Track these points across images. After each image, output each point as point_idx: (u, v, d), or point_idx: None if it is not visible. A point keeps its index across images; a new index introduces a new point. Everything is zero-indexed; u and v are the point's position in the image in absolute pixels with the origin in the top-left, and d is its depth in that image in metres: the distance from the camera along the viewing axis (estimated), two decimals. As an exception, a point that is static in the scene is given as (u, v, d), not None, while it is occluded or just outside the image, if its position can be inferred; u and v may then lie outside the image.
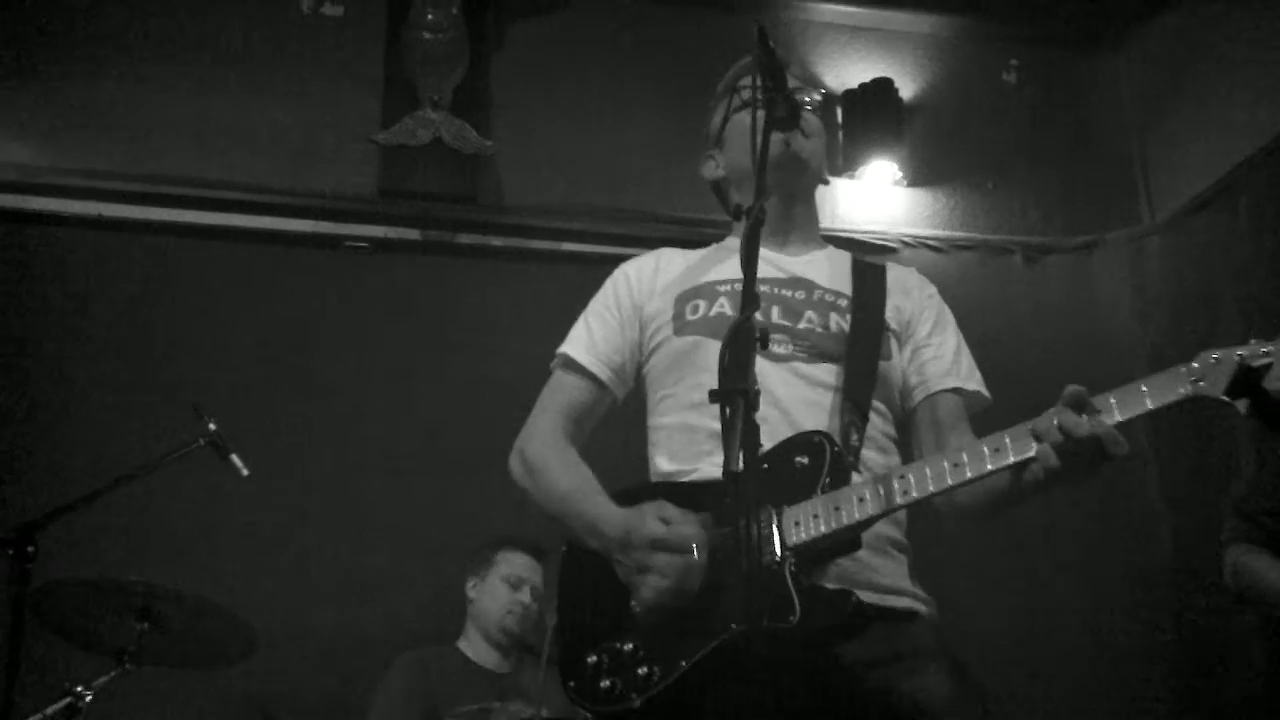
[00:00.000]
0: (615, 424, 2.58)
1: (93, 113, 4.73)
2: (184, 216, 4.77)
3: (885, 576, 2.21)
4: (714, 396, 1.75)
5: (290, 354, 4.67)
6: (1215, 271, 4.86)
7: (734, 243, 2.59)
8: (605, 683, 2.12)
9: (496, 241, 5.07)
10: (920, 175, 5.40)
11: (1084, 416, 1.87)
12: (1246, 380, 1.77)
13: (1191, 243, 5.08)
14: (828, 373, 2.32)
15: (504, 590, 4.24)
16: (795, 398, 2.27)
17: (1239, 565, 3.16)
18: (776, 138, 2.31)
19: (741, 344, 1.80)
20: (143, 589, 3.45)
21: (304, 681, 4.21)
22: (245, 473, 3.73)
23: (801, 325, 2.36)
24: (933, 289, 2.58)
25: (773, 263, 2.45)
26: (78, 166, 4.67)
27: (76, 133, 4.71)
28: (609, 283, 2.62)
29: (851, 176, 5.28)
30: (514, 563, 4.27)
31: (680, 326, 2.42)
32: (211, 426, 3.73)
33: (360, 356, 4.72)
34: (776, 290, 2.40)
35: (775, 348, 2.31)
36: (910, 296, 2.50)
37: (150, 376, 4.50)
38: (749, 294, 1.90)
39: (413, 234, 5.01)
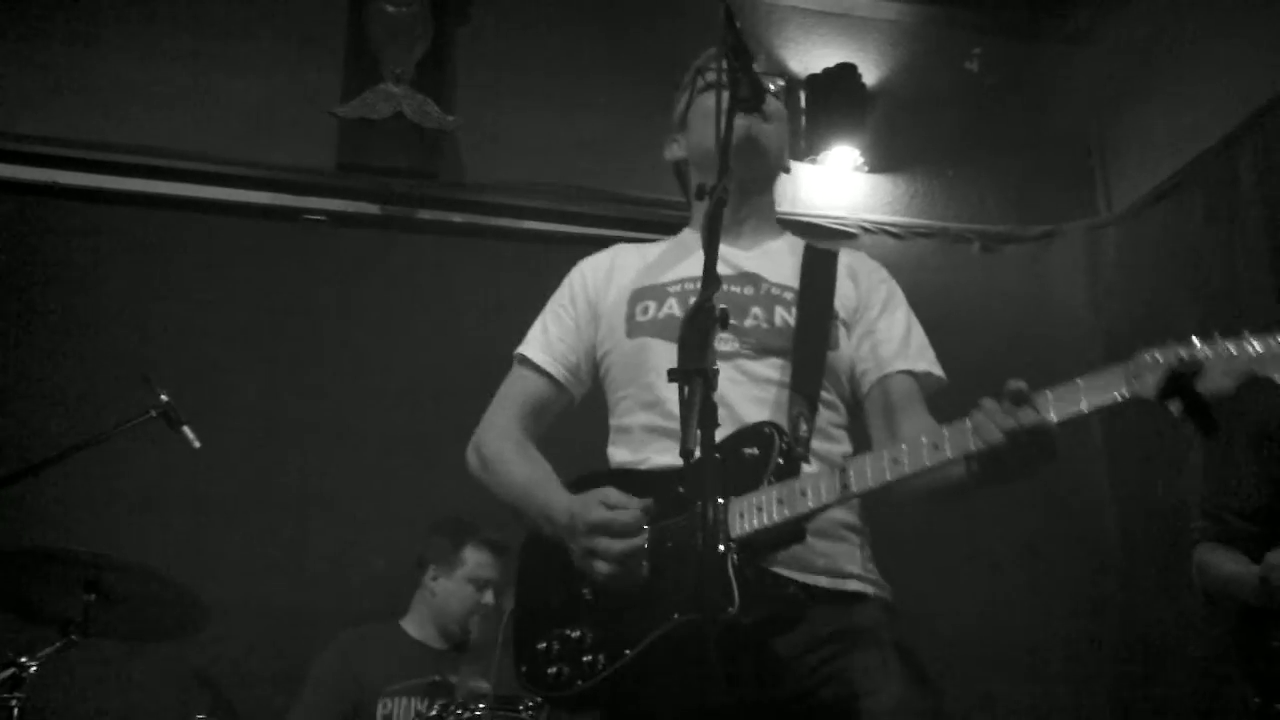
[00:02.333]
0: (573, 421, 2.59)
1: (45, 76, 4.65)
2: (139, 185, 4.71)
3: (833, 561, 2.23)
4: (672, 375, 1.76)
5: (245, 326, 4.63)
6: (1170, 263, 4.91)
7: (689, 237, 2.61)
8: (553, 669, 2.16)
9: (456, 218, 5.04)
10: (881, 161, 5.42)
11: (1020, 412, 1.88)
12: (1178, 383, 1.78)
13: (1147, 234, 5.13)
14: (773, 367, 2.33)
15: (469, 592, 4.22)
16: (742, 395, 2.29)
17: (1202, 564, 3.20)
18: (738, 122, 2.31)
19: (701, 324, 1.81)
20: (91, 560, 3.41)
21: (251, 655, 4.19)
22: (197, 444, 3.70)
23: (747, 323, 2.37)
24: (884, 273, 2.59)
25: (723, 257, 2.44)
26: (30, 132, 4.60)
27: (28, 97, 4.62)
28: (565, 282, 2.63)
29: (813, 161, 5.29)
30: (481, 562, 4.24)
31: (631, 329, 2.44)
32: (163, 397, 3.70)
33: (316, 330, 4.69)
34: (725, 287, 2.39)
35: (720, 345, 2.29)
36: (859, 281, 2.51)
37: (102, 347, 4.45)
38: (710, 274, 1.91)
39: (372, 209, 4.97)
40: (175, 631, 3.68)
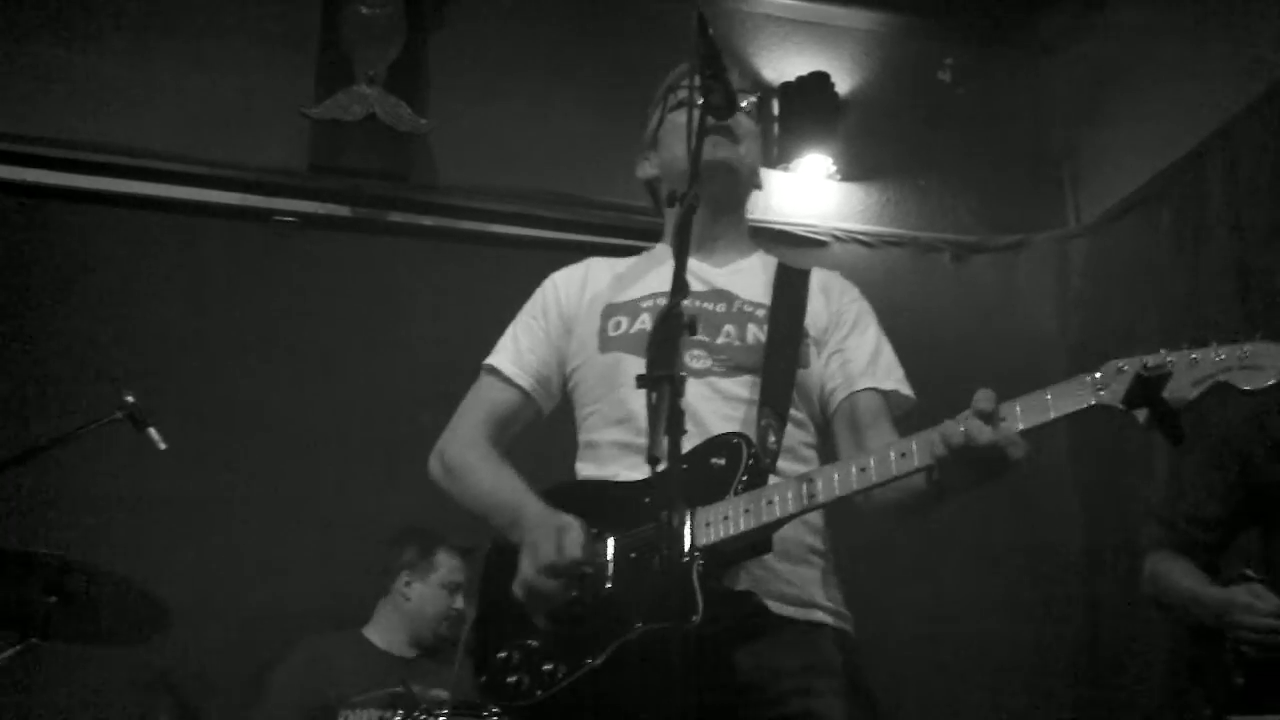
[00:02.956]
0: (540, 435, 2.58)
1: (15, 74, 4.61)
2: (108, 184, 4.67)
3: (795, 586, 2.23)
4: (640, 382, 1.76)
5: (213, 327, 4.60)
6: (1136, 275, 4.95)
7: (662, 250, 2.62)
8: (512, 678, 2.14)
9: (427, 221, 5.03)
10: (853, 170, 5.43)
11: (988, 423, 1.88)
12: (1145, 390, 1.79)
13: (1114, 246, 5.17)
14: (744, 385, 2.33)
15: (444, 596, 4.23)
16: (713, 413, 2.29)
17: (1155, 572, 3.21)
18: (710, 147, 2.33)
19: (670, 330, 1.81)
20: (53, 562, 3.37)
21: (215, 661, 4.16)
22: (163, 446, 3.66)
23: (720, 340, 2.37)
24: (855, 292, 2.59)
25: (696, 274, 2.46)
26: (-2, 129, 4.55)
27: (-3, 94, 4.59)
28: (538, 293, 2.62)
29: (786, 169, 5.30)
30: (453, 567, 4.25)
31: (603, 343, 2.44)
32: (129, 399, 3.66)
33: (285, 332, 4.66)
34: (698, 303, 2.40)
35: (693, 362, 2.32)
36: (831, 300, 2.52)
37: (68, 346, 4.41)
38: (679, 281, 1.91)
39: (343, 210, 4.95)
40: (137, 635, 3.65)
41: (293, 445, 4.50)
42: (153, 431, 3.66)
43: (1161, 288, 4.76)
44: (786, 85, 5.36)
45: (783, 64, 5.46)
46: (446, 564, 4.25)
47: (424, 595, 4.23)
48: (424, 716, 3.40)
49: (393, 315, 4.75)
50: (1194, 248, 4.63)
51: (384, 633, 4.24)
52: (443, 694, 3.65)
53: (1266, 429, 3.08)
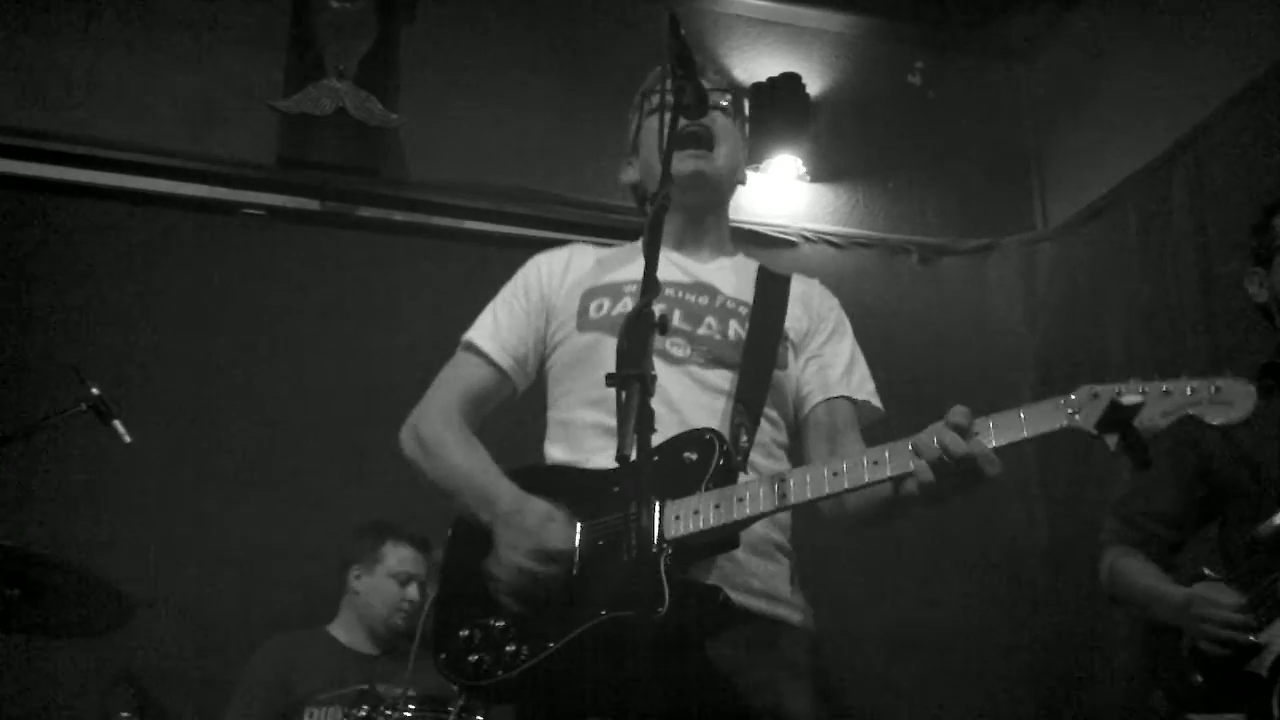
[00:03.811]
0: (510, 414, 2.57)
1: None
2: (75, 175, 4.63)
3: (762, 580, 2.24)
4: (610, 380, 1.76)
5: (180, 320, 4.57)
6: (1103, 279, 4.99)
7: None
8: (473, 657, 2.13)
9: (398, 216, 5.01)
10: (823, 171, 5.45)
11: (962, 438, 1.91)
12: (1118, 417, 1.84)
13: (1082, 250, 5.21)
14: (722, 378, 2.35)
15: (392, 587, 4.22)
16: (690, 401, 2.30)
17: (1114, 568, 3.23)
18: (688, 161, 2.38)
19: (640, 329, 1.82)
20: (14, 554, 3.34)
21: (179, 655, 4.15)
22: (128, 439, 3.64)
23: (701, 331, 2.39)
24: (834, 301, 2.62)
25: (680, 266, 2.49)
26: (-39, 117, 4.51)
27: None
28: (520, 273, 2.63)
29: (756, 169, 5.31)
30: (402, 557, 4.24)
31: (583, 323, 2.45)
32: (94, 391, 3.63)
33: (254, 326, 4.64)
34: (680, 294, 2.43)
35: (673, 350, 2.34)
36: (811, 307, 2.54)
37: (33, 338, 4.37)
38: (649, 280, 1.91)
39: (312, 204, 4.93)
40: (100, 628, 3.61)
41: (260, 439, 4.49)
42: (118, 424, 3.64)
43: (1128, 292, 4.79)
44: (757, 86, 5.37)
45: (754, 64, 5.47)
46: (394, 554, 4.24)
47: (372, 587, 4.23)
48: (389, 711, 3.40)
49: (361, 310, 4.74)
50: (1160, 253, 4.67)
51: (347, 630, 4.24)
52: (412, 693, 3.65)
53: (1224, 428, 3.11)
